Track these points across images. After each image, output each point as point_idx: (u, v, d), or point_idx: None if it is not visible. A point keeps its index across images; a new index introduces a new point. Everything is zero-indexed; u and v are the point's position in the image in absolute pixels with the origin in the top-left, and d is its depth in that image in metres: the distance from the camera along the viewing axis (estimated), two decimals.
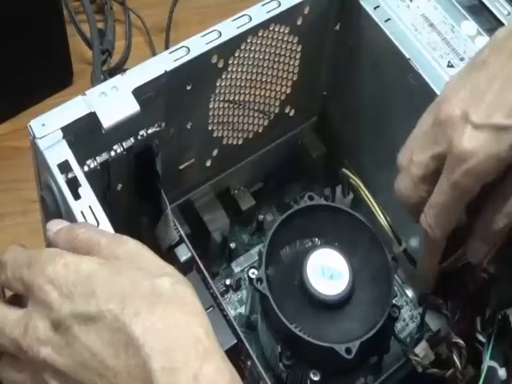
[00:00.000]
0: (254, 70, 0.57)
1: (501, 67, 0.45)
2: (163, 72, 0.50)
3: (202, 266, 0.57)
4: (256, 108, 0.60)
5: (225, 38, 0.52)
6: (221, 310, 0.55)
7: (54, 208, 0.47)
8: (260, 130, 0.63)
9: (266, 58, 0.57)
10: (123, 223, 0.50)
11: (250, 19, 0.53)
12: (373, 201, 0.58)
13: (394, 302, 0.55)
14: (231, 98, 0.57)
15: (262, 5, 0.54)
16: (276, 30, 0.55)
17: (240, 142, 0.62)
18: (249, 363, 0.55)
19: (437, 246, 0.49)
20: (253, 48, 0.55)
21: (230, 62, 0.54)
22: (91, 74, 0.79)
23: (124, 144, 0.50)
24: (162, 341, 0.37)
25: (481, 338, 0.52)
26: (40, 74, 0.75)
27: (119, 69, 0.78)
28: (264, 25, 0.54)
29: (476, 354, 0.52)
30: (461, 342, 0.52)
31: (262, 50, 0.56)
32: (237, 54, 0.54)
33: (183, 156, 0.59)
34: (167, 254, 0.56)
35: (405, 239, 0.58)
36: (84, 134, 0.48)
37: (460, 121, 0.45)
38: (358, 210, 0.58)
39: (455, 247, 0.51)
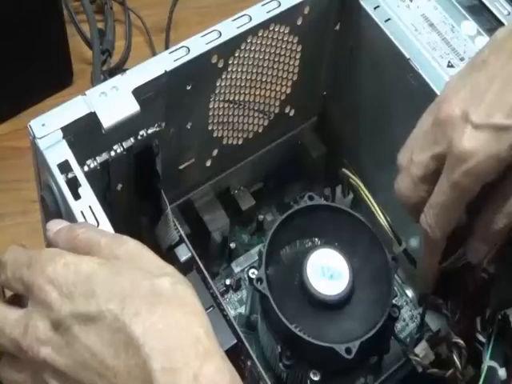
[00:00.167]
0: (254, 70, 0.57)
1: (501, 67, 0.45)
2: (163, 72, 0.50)
3: (201, 266, 0.57)
4: (256, 108, 0.60)
5: (225, 37, 0.52)
6: (221, 310, 0.55)
7: (54, 208, 0.47)
8: (260, 130, 0.63)
9: (266, 58, 0.57)
10: (123, 223, 0.50)
11: (250, 19, 0.53)
12: (373, 201, 0.58)
13: (394, 301, 0.55)
14: (231, 98, 0.57)
15: (262, 5, 0.54)
16: (276, 30, 0.55)
17: (240, 142, 0.62)
18: (249, 363, 0.55)
19: (437, 246, 0.49)
20: (253, 48, 0.55)
21: (230, 62, 0.54)
22: (91, 74, 0.79)
23: (124, 144, 0.50)
24: (162, 341, 0.37)
25: (481, 338, 0.52)
26: (40, 74, 0.75)
27: (119, 69, 0.78)
28: (264, 25, 0.54)
29: (476, 354, 0.52)
30: (461, 342, 0.52)
31: (262, 50, 0.56)
32: (237, 54, 0.54)
33: (183, 156, 0.59)
34: (167, 253, 0.56)
35: (405, 239, 0.58)
36: (84, 134, 0.48)
37: (460, 121, 0.45)
38: (358, 210, 0.58)
39: (455, 247, 0.51)
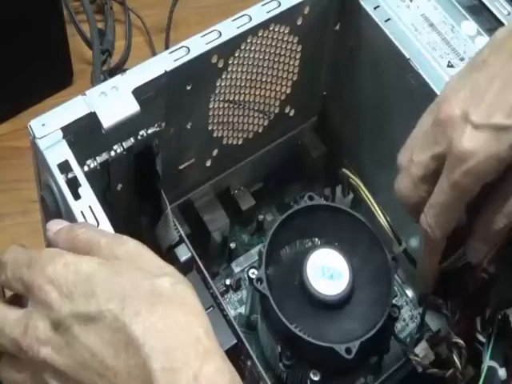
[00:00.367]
0: (254, 70, 0.57)
1: (501, 67, 0.45)
2: (163, 72, 0.50)
3: (201, 266, 0.57)
4: (256, 108, 0.60)
5: (225, 37, 0.52)
6: (221, 310, 0.55)
7: (54, 208, 0.47)
8: (260, 130, 0.63)
9: (266, 58, 0.57)
10: (123, 223, 0.50)
11: (250, 19, 0.53)
12: (373, 201, 0.58)
13: (394, 302, 0.55)
14: (231, 98, 0.57)
15: (262, 5, 0.54)
16: (276, 30, 0.55)
17: (240, 142, 0.62)
18: (249, 363, 0.55)
19: (437, 245, 0.49)
20: (253, 48, 0.55)
21: (230, 62, 0.54)
22: (91, 74, 0.79)
23: (124, 144, 0.50)
24: (162, 341, 0.37)
25: (481, 338, 0.52)
26: (40, 74, 0.75)
27: (119, 69, 0.78)
28: (264, 25, 0.54)
29: (476, 354, 0.52)
30: (461, 342, 0.52)
31: (262, 50, 0.56)
32: (237, 54, 0.54)
33: (183, 156, 0.59)
34: (167, 253, 0.56)
35: (405, 239, 0.58)
36: (84, 134, 0.48)
37: (460, 121, 0.45)
38: (358, 210, 0.58)
39: (455, 247, 0.51)
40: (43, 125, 0.47)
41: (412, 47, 0.54)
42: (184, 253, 0.56)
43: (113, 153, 0.50)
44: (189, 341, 0.37)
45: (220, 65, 0.54)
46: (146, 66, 0.51)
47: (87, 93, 0.48)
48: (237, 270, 0.67)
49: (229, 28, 0.52)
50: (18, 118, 0.77)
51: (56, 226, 0.44)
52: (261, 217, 0.68)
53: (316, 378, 0.53)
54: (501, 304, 0.52)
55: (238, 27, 0.53)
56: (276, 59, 0.57)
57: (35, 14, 0.72)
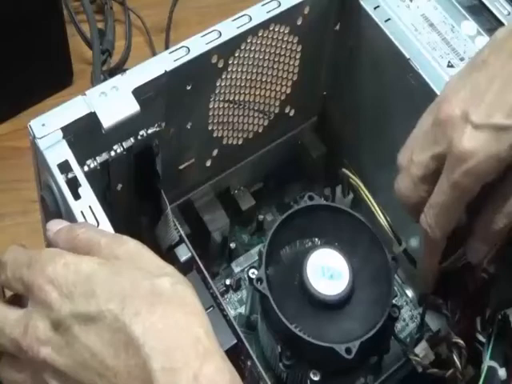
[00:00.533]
0: (254, 70, 0.57)
1: (501, 67, 0.45)
2: (163, 72, 0.50)
3: (201, 266, 0.57)
4: (256, 108, 0.60)
5: (225, 37, 0.52)
6: (221, 310, 0.55)
7: (54, 208, 0.47)
8: (260, 130, 0.63)
9: (266, 58, 0.57)
10: (123, 223, 0.50)
11: (250, 19, 0.53)
12: (373, 201, 0.58)
13: (394, 302, 0.55)
14: (231, 98, 0.57)
15: (262, 5, 0.54)
16: (276, 30, 0.55)
17: (240, 142, 0.62)
18: (249, 363, 0.55)
19: (437, 245, 0.49)
20: (253, 48, 0.55)
21: (230, 62, 0.54)
22: (91, 74, 0.79)
23: (124, 144, 0.50)
24: (162, 341, 0.37)
25: (481, 338, 0.52)
26: (40, 74, 0.75)
27: (119, 69, 0.78)
28: (264, 25, 0.54)
29: (476, 354, 0.52)
30: (461, 342, 0.52)
31: (262, 50, 0.56)
32: (237, 54, 0.54)
33: (183, 156, 0.59)
34: (167, 253, 0.56)
35: (405, 239, 0.58)
36: (84, 134, 0.48)
37: (460, 121, 0.45)
38: (358, 210, 0.58)
39: (455, 247, 0.51)
40: (43, 125, 0.47)
41: (412, 47, 0.54)
42: (184, 253, 0.56)
43: (113, 153, 0.50)
44: (189, 341, 0.37)
45: (220, 65, 0.54)
46: (146, 66, 0.51)
47: (87, 93, 0.48)
48: (237, 269, 0.67)
49: (229, 28, 0.52)
50: (18, 118, 0.77)
51: (56, 226, 0.44)
52: (261, 217, 0.68)
53: (316, 378, 0.53)
54: (501, 304, 0.52)
55: (237, 27, 0.53)
56: (276, 59, 0.57)
57: (35, 13, 0.72)
